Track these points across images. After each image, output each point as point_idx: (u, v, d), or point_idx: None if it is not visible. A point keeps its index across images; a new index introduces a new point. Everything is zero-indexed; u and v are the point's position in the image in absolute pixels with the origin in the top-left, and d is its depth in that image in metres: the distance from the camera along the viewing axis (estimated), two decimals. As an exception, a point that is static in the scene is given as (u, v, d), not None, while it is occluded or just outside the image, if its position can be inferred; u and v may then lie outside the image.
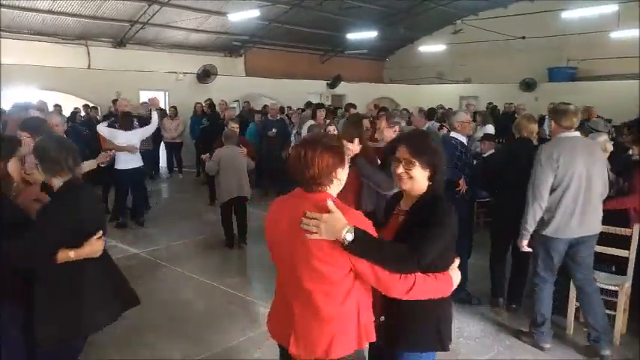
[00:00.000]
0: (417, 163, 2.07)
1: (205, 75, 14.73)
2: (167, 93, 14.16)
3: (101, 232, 2.54)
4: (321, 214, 1.78)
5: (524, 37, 15.85)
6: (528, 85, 17.09)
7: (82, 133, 8.45)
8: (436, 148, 2.13)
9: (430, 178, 2.10)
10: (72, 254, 2.40)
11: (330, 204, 1.80)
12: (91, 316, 2.50)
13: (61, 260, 2.38)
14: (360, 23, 16.12)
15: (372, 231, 1.86)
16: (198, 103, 11.85)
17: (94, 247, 2.49)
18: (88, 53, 13.61)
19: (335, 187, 1.94)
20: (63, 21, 12.68)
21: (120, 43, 14.24)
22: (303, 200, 1.90)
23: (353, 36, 16.41)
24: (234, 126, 6.73)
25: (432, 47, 18.53)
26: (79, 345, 2.64)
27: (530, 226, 3.60)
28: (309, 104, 11.62)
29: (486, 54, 17.59)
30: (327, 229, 1.76)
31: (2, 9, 11.44)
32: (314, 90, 17.59)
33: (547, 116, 10.16)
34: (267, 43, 17.33)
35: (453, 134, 4.47)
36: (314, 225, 1.78)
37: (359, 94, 18.15)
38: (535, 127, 4.44)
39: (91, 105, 11.78)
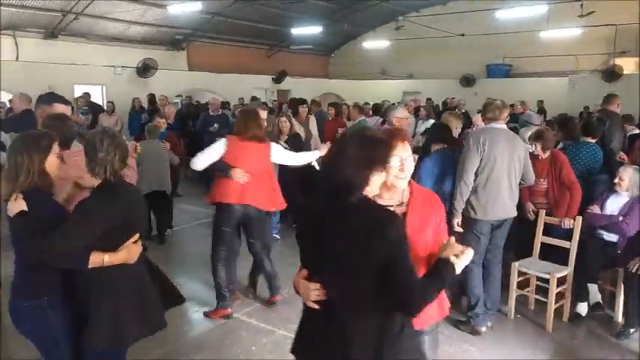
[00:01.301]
0: None
1: (145, 69, 14.25)
2: (104, 87, 13.59)
3: (137, 235, 2.36)
4: None
5: (463, 35, 16.43)
6: (468, 81, 17.75)
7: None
8: None
9: None
10: (106, 258, 2.24)
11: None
12: (145, 320, 2.40)
13: (94, 264, 2.22)
14: (304, 18, 16.11)
15: None
16: (137, 98, 11.44)
17: (130, 252, 2.32)
18: (16, 44, 12.81)
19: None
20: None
21: (51, 34, 13.47)
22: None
23: (298, 31, 16.39)
24: (160, 121, 6.68)
25: (375, 43, 18.82)
26: (124, 350, 2.50)
27: (459, 203, 3.81)
28: (253, 99, 11.51)
29: (428, 50, 18.09)
30: None
31: None
32: (259, 85, 17.45)
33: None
34: (210, 37, 16.97)
35: None
36: None
37: (305, 89, 18.15)
38: (459, 123, 4.79)
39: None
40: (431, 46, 17.68)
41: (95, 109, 11.13)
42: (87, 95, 11.58)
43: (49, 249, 2.13)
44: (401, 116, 4.50)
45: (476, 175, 3.76)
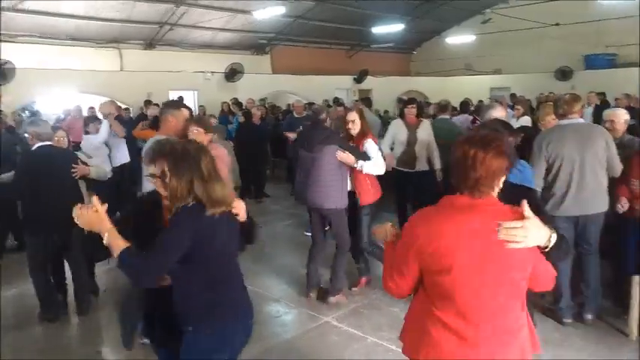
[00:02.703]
0: None
1: (232, 74, 14.86)
2: (196, 92, 14.35)
3: None
4: (521, 220, 1.65)
5: (557, 24, 15.35)
6: (564, 74, 16.57)
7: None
8: None
9: None
10: None
11: (527, 209, 1.66)
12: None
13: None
14: (385, 16, 15.92)
15: None
16: (225, 102, 11.96)
17: None
18: (121, 56, 13.93)
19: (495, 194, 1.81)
20: (97, 26, 12.98)
21: (150, 44, 14.50)
22: (482, 209, 1.73)
23: (379, 30, 16.24)
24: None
25: (460, 38, 18.17)
26: None
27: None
28: (336, 100, 11.56)
29: (517, 43, 17.13)
30: (533, 235, 1.66)
31: (42, 16, 11.82)
32: (341, 85, 17.51)
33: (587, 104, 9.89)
34: (293, 40, 17.33)
35: None
36: (518, 233, 1.63)
37: (386, 88, 18.00)
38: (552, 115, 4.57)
39: (123, 106, 12.00)
40: (521, 39, 16.72)
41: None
42: (181, 99, 12.26)
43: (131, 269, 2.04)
44: (499, 115, 4.26)
45: (547, 173, 3.79)
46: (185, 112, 3.49)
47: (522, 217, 1.65)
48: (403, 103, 6.23)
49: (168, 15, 13.52)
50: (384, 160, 4.57)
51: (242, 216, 2.27)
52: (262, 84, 15.59)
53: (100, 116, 6.39)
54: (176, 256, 1.96)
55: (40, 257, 4.16)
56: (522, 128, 6.06)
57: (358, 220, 4.50)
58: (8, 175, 4.46)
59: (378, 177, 4.51)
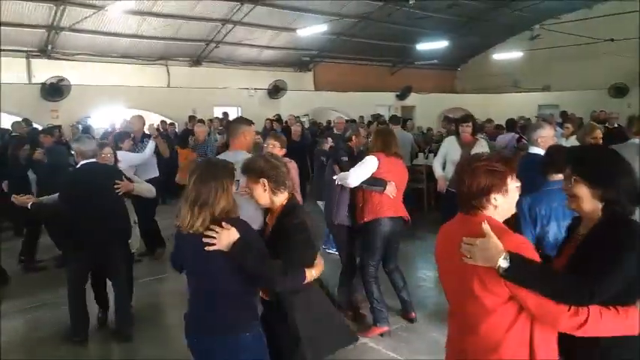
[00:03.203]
0: (580, 180, 1.83)
1: (276, 90, 15.04)
2: (239, 108, 14.59)
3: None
4: (477, 238, 1.67)
5: (612, 40, 14.71)
6: (619, 91, 15.81)
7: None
8: (609, 164, 1.83)
9: (603, 198, 1.79)
10: (314, 273, 2.30)
11: (486, 227, 1.66)
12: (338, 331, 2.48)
13: (309, 280, 2.27)
14: (430, 33, 15.77)
15: (533, 256, 1.70)
16: (268, 118, 12.07)
17: (321, 264, 2.38)
18: (168, 72, 14.38)
19: (493, 212, 1.81)
20: (146, 44, 13.50)
21: (196, 61, 14.92)
22: (463, 224, 1.85)
23: (423, 46, 16.08)
24: (256, 137, 7.16)
25: (507, 54, 17.73)
26: None
27: None
28: (377, 117, 11.46)
29: (568, 59, 16.53)
30: (481, 254, 1.66)
31: (95, 35, 12.43)
32: (383, 102, 17.40)
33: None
34: (335, 57, 17.43)
35: (533, 150, 4.07)
36: (469, 250, 1.69)
37: (429, 105, 17.75)
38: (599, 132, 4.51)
39: (168, 121, 12.35)
40: (572, 55, 16.13)
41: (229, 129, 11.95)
42: (225, 115, 12.52)
43: (292, 271, 2.19)
44: (547, 135, 4.02)
45: None
46: (254, 128, 3.67)
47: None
48: (457, 120, 5.70)
49: (214, 33, 13.90)
50: (437, 183, 4.86)
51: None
52: (304, 101, 15.70)
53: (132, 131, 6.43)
54: None
55: (79, 279, 4.06)
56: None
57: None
58: (50, 198, 4.19)
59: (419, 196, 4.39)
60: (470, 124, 5.30)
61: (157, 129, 7.76)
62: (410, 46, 16.89)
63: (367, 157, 4.07)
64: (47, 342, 4.23)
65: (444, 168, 5.50)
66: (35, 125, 9.68)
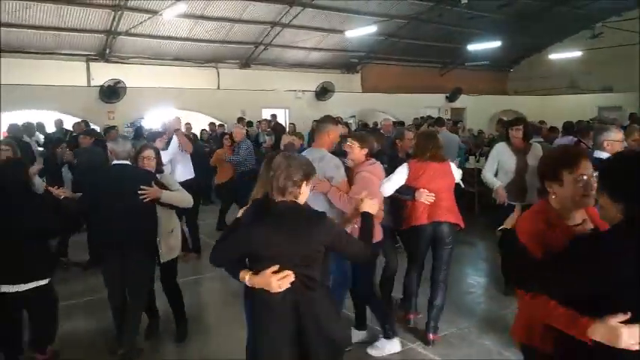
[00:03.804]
0: (603, 192, 1.72)
1: (323, 92, 15.04)
2: (287, 110, 14.69)
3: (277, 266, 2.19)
4: None
5: (680, 38, 13.78)
6: (686, 92, 14.77)
7: (204, 150, 9.08)
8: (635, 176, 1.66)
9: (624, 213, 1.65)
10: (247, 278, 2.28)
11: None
12: None
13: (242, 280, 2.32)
14: (482, 33, 15.32)
15: None
16: (315, 120, 12.05)
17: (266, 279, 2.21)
18: (218, 75, 14.69)
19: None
20: (197, 46, 13.85)
21: (245, 64, 15.16)
22: None
23: (475, 47, 15.65)
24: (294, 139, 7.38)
25: (564, 54, 16.97)
26: None
27: None
28: (426, 118, 11.22)
29: (631, 58, 15.58)
30: None
31: (149, 39, 12.88)
32: (432, 104, 17.06)
33: None
34: (383, 59, 17.25)
35: (597, 153, 3.74)
36: None
37: (480, 107, 17.26)
38: None
39: (217, 123, 12.59)
40: (636, 54, 15.20)
41: (278, 131, 12.05)
42: (274, 117, 12.64)
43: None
44: (615, 139, 3.74)
45: None
46: (341, 128, 3.73)
47: None
48: (507, 123, 5.11)
49: (263, 35, 14.08)
50: (497, 194, 4.60)
51: None
52: (352, 102, 15.62)
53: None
54: None
55: (114, 282, 3.76)
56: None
57: None
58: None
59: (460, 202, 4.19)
60: (521, 127, 4.76)
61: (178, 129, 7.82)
62: (460, 47, 16.49)
63: (400, 167, 4.02)
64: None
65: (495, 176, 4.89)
66: (93, 126, 10.10)
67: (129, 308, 3.76)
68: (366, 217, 2.53)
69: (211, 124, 12.37)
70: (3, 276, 3.39)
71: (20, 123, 8.57)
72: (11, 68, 11.49)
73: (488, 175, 4.87)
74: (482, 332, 4.18)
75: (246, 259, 2.36)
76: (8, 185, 3.43)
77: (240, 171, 7.35)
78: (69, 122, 10.36)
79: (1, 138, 9.03)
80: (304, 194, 2.29)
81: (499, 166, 4.86)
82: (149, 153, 3.97)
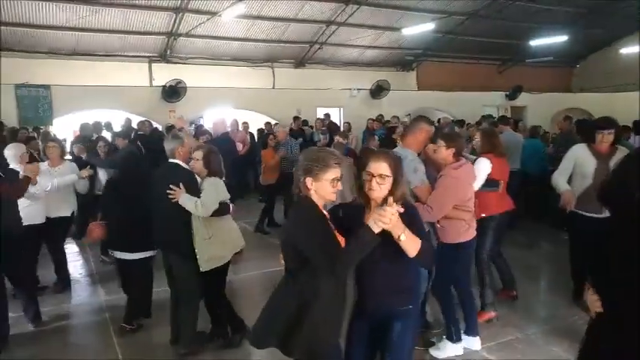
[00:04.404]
0: None
1: (378, 90, 14.90)
2: (342, 109, 14.67)
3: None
4: None
5: None
6: None
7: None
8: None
9: None
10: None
11: None
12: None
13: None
14: (547, 28, 14.65)
15: None
16: (370, 118, 11.98)
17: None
18: (273, 74, 14.88)
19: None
20: (253, 46, 14.10)
21: (300, 63, 15.27)
22: None
23: (538, 42, 14.99)
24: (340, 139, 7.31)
25: (637, 48, 15.89)
26: None
27: None
28: (487, 117, 10.87)
29: None
30: None
31: (208, 40, 13.24)
32: (490, 102, 16.50)
33: None
34: (439, 56, 16.89)
35: None
36: None
37: (542, 105, 16.53)
38: None
39: (273, 122, 12.75)
40: None
41: (332, 129, 12.06)
42: (327, 116, 12.65)
43: None
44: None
45: None
46: (432, 129, 3.72)
47: None
48: (594, 125, 4.42)
49: (318, 34, 14.13)
50: (564, 198, 4.26)
51: None
52: (407, 100, 15.35)
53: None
54: None
55: (168, 279, 3.94)
56: None
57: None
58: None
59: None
60: (613, 131, 4.16)
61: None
62: (521, 43, 15.86)
63: (480, 160, 4.19)
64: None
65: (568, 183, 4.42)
66: (155, 125, 10.49)
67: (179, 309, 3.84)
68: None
69: (267, 124, 12.52)
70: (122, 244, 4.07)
71: (90, 122, 9.02)
72: (82, 70, 12.19)
73: (559, 178, 4.37)
74: (550, 338, 4.00)
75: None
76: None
77: (287, 170, 7.24)
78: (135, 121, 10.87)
79: (72, 137, 9.61)
80: (311, 188, 2.27)
81: (575, 170, 4.35)
82: (197, 154, 3.78)
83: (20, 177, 4.18)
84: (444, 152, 3.55)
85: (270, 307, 2.36)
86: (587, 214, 4.14)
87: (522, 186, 7.89)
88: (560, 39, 14.37)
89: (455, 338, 3.68)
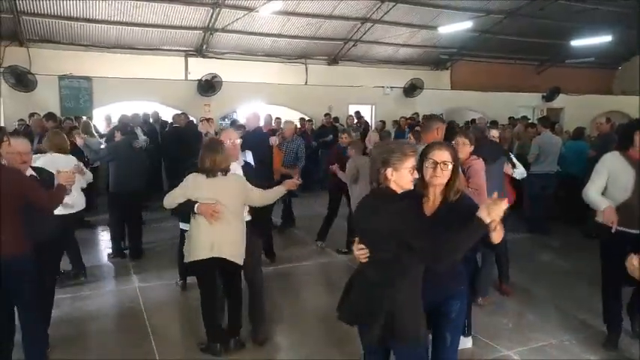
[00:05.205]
0: None
1: (412, 89, 14.77)
2: (374, 107, 14.60)
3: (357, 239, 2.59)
4: None
5: None
6: None
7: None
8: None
9: None
10: None
11: None
12: None
13: None
14: (589, 28, 14.20)
15: None
16: (403, 117, 11.90)
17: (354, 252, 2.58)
18: (306, 70, 14.93)
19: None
20: (287, 43, 14.17)
21: (333, 60, 15.27)
22: None
23: (579, 42, 14.56)
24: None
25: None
26: None
27: None
28: (524, 118, 10.66)
29: None
30: None
31: (244, 35, 13.38)
32: (526, 103, 16.17)
33: None
34: (475, 55, 16.61)
35: None
36: None
37: (581, 107, 16.06)
38: None
39: (306, 118, 12.80)
40: None
41: (364, 127, 12.05)
42: (357, 113, 12.64)
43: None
44: None
45: None
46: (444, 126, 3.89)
47: None
48: (633, 126, 3.94)
49: (353, 31, 14.09)
50: (605, 216, 3.57)
51: None
52: (440, 100, 15.16)
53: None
54: None
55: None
56: None
57: None
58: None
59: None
60: None
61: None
62: (561, 43, 15.44)
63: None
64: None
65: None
66: (191, 118, 10.69)
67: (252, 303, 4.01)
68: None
69: (301, 119, 12.57)
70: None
71: (129, 114, 9.26)
72: (121, 63, 12.51)
73: (592, 193, 3.77)
74: (585, 347, 3.90)
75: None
76: None
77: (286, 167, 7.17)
78: (169, 113, 11.13)
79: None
80: (390, 177, 2.37)
81: (609, 182, 3.77)
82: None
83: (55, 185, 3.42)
84: (467, 148, 3.87)
85: (365, 296, 2.40)
86: (624, 230, 3.61)
87: (562, 188, 7.73)
88: (603, 39, 13.92)
89: (466, 332, 3.76)
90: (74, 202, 4.30)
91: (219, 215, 3.45)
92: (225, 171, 3.55)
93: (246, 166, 4.07)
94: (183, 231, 4.52)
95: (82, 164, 4.84)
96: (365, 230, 2.44)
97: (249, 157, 4.65)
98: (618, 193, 3.68)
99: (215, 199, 3.46)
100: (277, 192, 3.82)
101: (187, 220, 3.76)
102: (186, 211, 3.57)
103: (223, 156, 3.50)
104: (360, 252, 2.41)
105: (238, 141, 3.99)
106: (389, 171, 2.35)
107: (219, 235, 3.49)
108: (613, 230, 3.56)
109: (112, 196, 6.23)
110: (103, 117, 10.33)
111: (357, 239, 2.47)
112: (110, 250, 6.18)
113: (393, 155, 2.35)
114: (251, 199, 3.67)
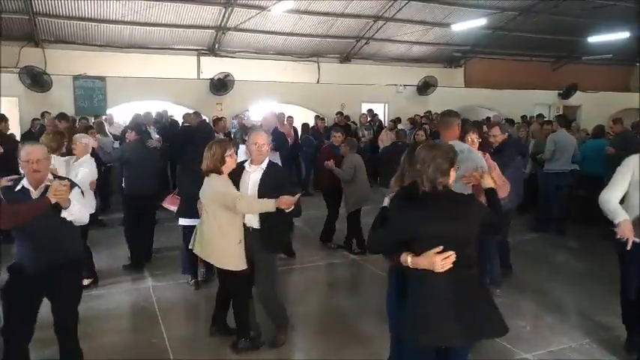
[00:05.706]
0: None
1: (425, 87, 14.65)
2: (387, 105, 14.51)
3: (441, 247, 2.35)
4: None
5: None
6: None
7: (313, 143, 9.19)
8: None
9: None
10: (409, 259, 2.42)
11: None
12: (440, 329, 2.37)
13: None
14: (607, 24, 13.93)
15: None
16: (416, 115, 11.81)
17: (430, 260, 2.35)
18: (318, 69, 14.87)
19: None
20: (299, 41, 14.12)
21: (345, 58, 15.19)
22: None
23: (596, 39, 14.30)
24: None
25: None
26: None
27: None
28: (539, 116, 10.50)
29: None
30: None
31: (255, 34, 13.36)
32: (542, 101, 15.95)
33: None
34: (489, 53, 16.40)
35: None
36: None
37: (597, 104, 15.83)
38: None
39: (320, 116, 12.77)
40: None
41: (379, 125, 11.99)
42: (370, 112, 12.55)
43: None
44: None
45: None
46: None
47: None
48: None
49: (365, 29, 14.00)
50: (621, 230, 3.32)
51: None
52: (454, 98, 14.97)
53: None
54: None
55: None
56: None
57: None
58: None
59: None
60: None
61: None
62: (578, 40, 15.16)
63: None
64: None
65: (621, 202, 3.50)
66: (204, 117, 10.71)
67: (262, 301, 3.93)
68: (491, 192, 2.75)
69: (316, 118, 12.54)
70: None
71: (142, 113, 9.31)
72: (135, 62, 12.58)
73: (612, 201, 3.46)
74: (605, 350, 3.80)
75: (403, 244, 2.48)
76: None
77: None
78: (179, 112, 11.18)
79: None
80: (452, 178, 2.44)
81: (631, 187, 3.46)
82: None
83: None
84: (477, 142, 4.06)
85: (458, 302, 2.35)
86: None
87: (582, 188, 7.57)
88: (621, 35, 13.65)
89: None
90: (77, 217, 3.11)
91: (201, 212, 3.81)
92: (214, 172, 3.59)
93: (269, 168, 3.73)
94: (184, 227, 4.80)
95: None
96: (444, 236, 2.34)
97: (276, 157, 4.61)
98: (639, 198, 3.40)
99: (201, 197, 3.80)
100: (264, 205, 3.49)
101: (184, 215, 4.68)
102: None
103: (211, 159, 3.57)
104: (446, 260, 2.30)
105: (266, 147, 3.71)
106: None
107: (199, 233, 3.80)
108: (628, 247, 3.31)
109: (126, 199, 6.04)
110: (103, 118, 10.27)
111: (435, 249, 2.33)
112: (127, 258, 5.82)
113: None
114: (234, 205, 3.45)
